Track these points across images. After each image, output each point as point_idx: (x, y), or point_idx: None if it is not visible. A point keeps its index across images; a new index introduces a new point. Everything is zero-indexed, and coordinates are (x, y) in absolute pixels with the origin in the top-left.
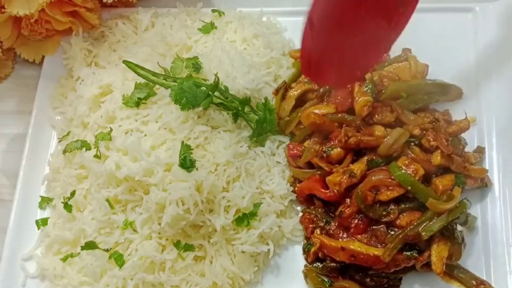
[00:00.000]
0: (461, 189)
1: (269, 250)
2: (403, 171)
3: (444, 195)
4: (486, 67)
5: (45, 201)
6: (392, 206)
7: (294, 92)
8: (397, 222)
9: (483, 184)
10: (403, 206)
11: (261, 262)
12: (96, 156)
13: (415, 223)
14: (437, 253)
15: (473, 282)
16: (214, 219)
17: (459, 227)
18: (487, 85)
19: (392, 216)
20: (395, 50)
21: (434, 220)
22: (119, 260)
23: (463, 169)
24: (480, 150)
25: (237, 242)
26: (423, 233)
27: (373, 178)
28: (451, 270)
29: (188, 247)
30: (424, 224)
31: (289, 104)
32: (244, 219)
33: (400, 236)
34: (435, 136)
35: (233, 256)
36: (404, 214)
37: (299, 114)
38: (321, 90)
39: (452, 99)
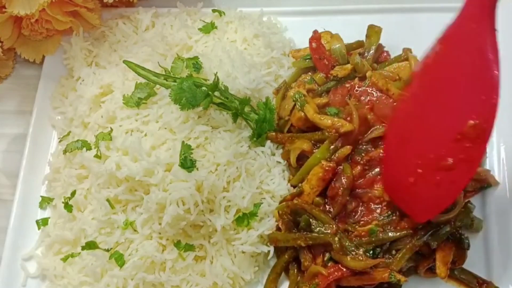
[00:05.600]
0: (463, 193)
1: (269, 251)
2: None
3: None
4: None
5: (45, 201)
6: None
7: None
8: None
9: (486, 185)
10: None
11: (261, 262)
12: (96, 156)
13: (422, 232)
14: (442, 257)
15: (476, 282)
16: (215, 219)
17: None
18: None
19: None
20: (395, 50)
21: (441, 228)
22: (119, 260)
23: None
24: None
25: (237, 242)
26: (432, 243)
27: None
28: (452, 272)
29: (189, 247)
30: (430, 232)
31: (290, 104)
32: (244, 219)
33: (408, 246)
34: None
35: (233, 256)
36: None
37: None
38: (320, 88)
39: None
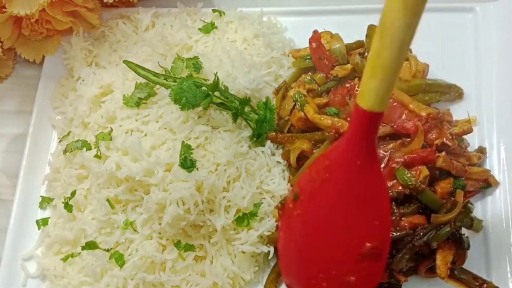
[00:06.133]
0: (463, 193)
1: (269, 251)
2: (407, 173)
3: (448, 202)
4: (486, 67)
5: (45, 201)
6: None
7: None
8: (400, 225)
9: (486, 185)
10: (404, 210)
11: (261, 262)
12: (96, 156)
13: (421, 233)
14: (442, 257)
15: (476, 282)
16: (215, 219)
17: (463, 230)
18: (487, 85)
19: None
20: None
21: (441, 228)
22: (119, 260)
23: (464, 173)
24: (481, 150)
25: (237, 242)
26: (433, 243)
27: None
28: (453, 272)
29: (189, 247)
30: (430, 233)
31: (290, 104)
32: (244, 219)
33: (408, 247)
34: (439, 133)
35: (233, 256)
36: (404, 219)
37: None
38: (320, 88)
39: (452, 99)
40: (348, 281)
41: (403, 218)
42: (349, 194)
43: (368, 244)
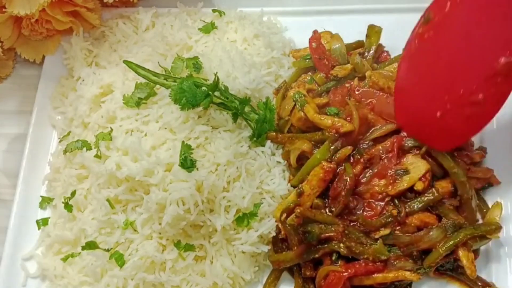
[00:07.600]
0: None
1: (269, 250)
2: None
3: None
4: None
5: (45, 201)
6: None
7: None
8: (406, 223)
9: (487, 184)
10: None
11: (261, 262)
12: (96, 156)
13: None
14: (466, 256)
15: (479, 284)
16: (215, 219)
17: None
18: None
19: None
20: (395, 50)
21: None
22: (119, 260)
23: (467, 171)
24: (482, 150)
25: (238, 242)
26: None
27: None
28: (456, 273)
29: (189, 247)
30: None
31: (290, 104)
32: (244, 219)
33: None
34: None
35: (233, 256)
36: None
37: None
38: (320, 88)
39: None
40: (475, 100)
41: (409, 217)
42: (493, 3)
43: (503, 59)
